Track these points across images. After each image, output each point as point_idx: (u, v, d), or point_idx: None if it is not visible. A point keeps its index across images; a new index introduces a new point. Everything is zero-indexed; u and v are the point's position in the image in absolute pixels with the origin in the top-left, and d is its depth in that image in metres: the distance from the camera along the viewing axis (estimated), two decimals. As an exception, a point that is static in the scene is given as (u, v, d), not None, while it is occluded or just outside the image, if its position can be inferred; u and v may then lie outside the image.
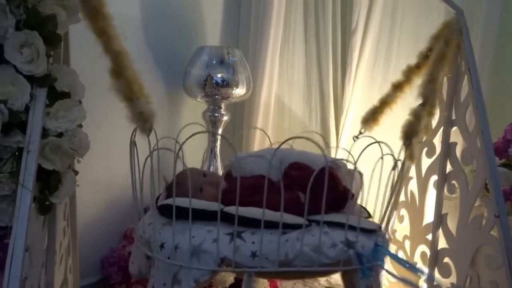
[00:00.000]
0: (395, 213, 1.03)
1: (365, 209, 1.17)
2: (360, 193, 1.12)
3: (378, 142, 0.97)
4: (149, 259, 0.99)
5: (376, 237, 0.98)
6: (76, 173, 1.00)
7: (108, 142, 1.46)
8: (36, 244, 0.88)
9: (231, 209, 0.91)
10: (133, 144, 0.93)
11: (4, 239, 0.81)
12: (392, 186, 0.97)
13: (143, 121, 0.83)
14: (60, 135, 0.89)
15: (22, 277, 0.76)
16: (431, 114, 1.07)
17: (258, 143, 1.81)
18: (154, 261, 0.94)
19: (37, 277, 0.91)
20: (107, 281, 1.49)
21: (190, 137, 0.90)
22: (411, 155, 0.97)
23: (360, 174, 1.13)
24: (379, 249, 0.95)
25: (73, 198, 1.25)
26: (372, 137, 1.01)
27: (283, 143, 0.87)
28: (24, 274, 0.82)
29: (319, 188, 0.87)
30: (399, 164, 0.95)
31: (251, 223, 0.91)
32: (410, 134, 0.96)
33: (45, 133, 0.86)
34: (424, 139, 1.30)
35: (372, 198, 1.07)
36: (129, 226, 1.54)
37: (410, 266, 0.99)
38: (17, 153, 0.83)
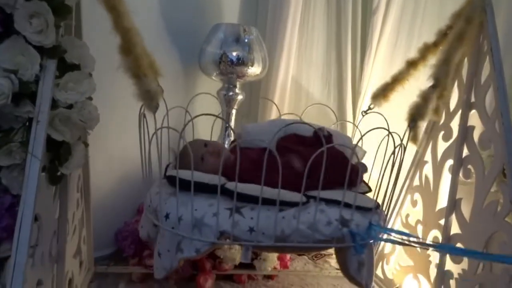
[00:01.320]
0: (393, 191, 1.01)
1: (365, 183, 1.16)
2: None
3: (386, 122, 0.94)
4: (156, 226, 1.04)
5: (371, 215, 0.98)
6: (87, 145, 1.02)
7: (122, 116, 1.47)
8: (47, 213, 0.91)
9: (231, 185, 0.94)
10: (142, 116, 0.94)
11: (15, 207, 0.84)
12: (392, 167, 0.95)
13: (149, 99, 0.85)
14: (70, 107, 0.90)
15: (30, 243, 0.79)
16: (442, 97, 1.03)
17: (273, 117, 1.79)
18: (160, 229, 1.00)
19: (47, 245, 0.94)
20: (121, 254, 1.52)
21: (198, 116, 0.91)
22: (415, 137, 0.94)
23: (363, 152, 1.13)
24: (373, 228, 0.96)
25: (87, 171, 1.28)
26: (379, 113, 0.99)
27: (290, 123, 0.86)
28: (34, 241, 0.85)
29: (328, 162, 0.87)
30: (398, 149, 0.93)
31: (250, 199, 0.94)
32: (416, 116, 0.94)
33: (54, 104, 0.87)
34: (440, 122, 1.26)
35: (374, 175, 1.06)
36: (142, 201, 1.57)
37: (407, 234, 0.98)
38: (27, 123, 0.85)
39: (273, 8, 1.81)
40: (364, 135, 0.96)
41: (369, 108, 1.28)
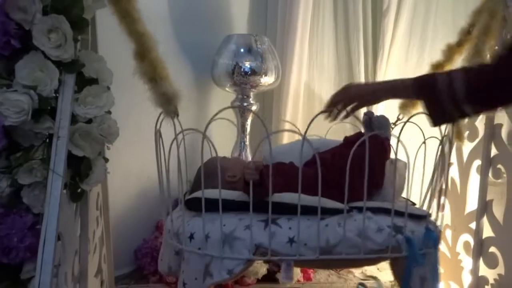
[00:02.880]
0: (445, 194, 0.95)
1: (409, 200, 1.10)
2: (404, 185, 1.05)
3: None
4: (179, 255, 0.93)
5: (425, 223, 0.90)
6: (107, 160, 1.00)
7: (138, 132, 1.46)
8: (69, 231, 0.89)
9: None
10: (158, 133, 0.89)
11: (37, 226, 0.82)
12: (435, 168, 0.90)
13: (167, 102, 0.82)
14: (89, 121, 0.89)
15: (54, 263, 0.76)
16: None
17: (288, 134, 1.76)
18: (184, 255, 0.89)
19: (70, 264, 0.92)
20: (141, 272, 1.50)
21: (217, 113, 0.87)
22: (459, 133, 0.89)
23: (404, 164, 1.06)
24: (431, 234, 0.86)
25: (105, 188, 1.26)
26: (413, 122, 0.92)
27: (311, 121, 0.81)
28: (57, 261, 0.82)
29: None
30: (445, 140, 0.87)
31: (287, 209, 0.84)
32: None
33: (74, 119, 0.86)
34: (463, 122, 1.22)
35: (415, 188, 0.99)
36: (160, 218, 1.54)
37: None
38: (47, 140, 0.84)
39: (282, 16, 1.80)
40: (397, 148, 0.85)
41: (398, 119, 1.18)
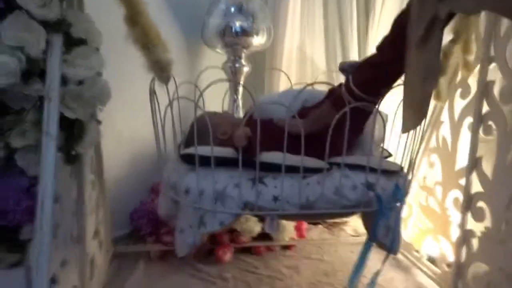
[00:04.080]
0: (417, 152, 0.98)
1: (386, 150, 1.13)
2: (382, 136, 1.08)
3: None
4: (176, 203, 1.01)
5: (397, 178, 0.96)
6: (99, 122, 0.99)
7: (130, 95, 1.44)
8: (65, 193, 0.89)
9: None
10: (153, 93, 0.91)
11: (32, 189, 0.82)
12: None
13: (160, 70, 0.82)
14: (80, 83, 0.87)
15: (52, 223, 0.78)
16: (467, 50, 0.99)
17: (282, 87, 1.75)
18: (181, 205, 0.97)
19: (69, 226, 0.93)
20: (138, 233, 1.52)
21: (209, 85, 0.87)
22: (438, 94, 0.90)
23: (384, 117, 1.08)
24: (399, 192, 0.94)
25: (99, 151, 1.26)
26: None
27: (302, 89, 0.83)
28: (56, 221, 0.84)
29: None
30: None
31: (272, 168, 0.90)
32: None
33: (64, 81, 0.84)
34: (456, 80, 1.23)
35: (394, 138, 1.03)
36: (155, 181, 1.56)
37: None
38: (38, 103, 0.82)
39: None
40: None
41: None
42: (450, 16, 0.76)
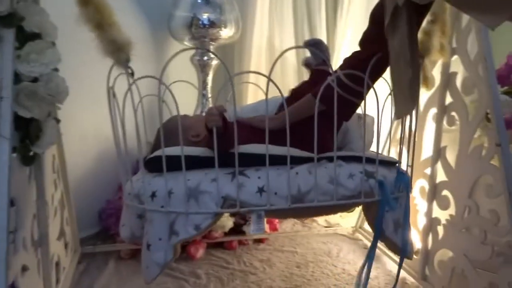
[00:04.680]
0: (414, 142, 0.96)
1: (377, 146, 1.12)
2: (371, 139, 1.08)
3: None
4: (141, 218, 0.86)
5: (396, 169, 0.90)
6: (58, 121, 0.95)
7: (93, 91, 1.39)
8: (23, 195, 0.85)
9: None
10: (111, 91, 0.83)
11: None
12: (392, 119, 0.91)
13: (117, 50, 0.76)
14: (35, 80, 0.83)
15: (9, 229, 0.74)
16: (444, 33, 0.99)
17: (252, 93, 1.72)
18: (146, 216, 0.84)
19: (28, 229, 0.90)
20: (107, 232, 1.49)
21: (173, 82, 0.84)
22: (426, 78, 0.89)
23: (372, 119, 1.06)
24: (403, 177, 0.84)
25: (61, 150, 1.21)
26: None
27: (276, 61, 0.77)
28: (13, 226, 0.80)
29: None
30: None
31: (254, 161, 0.79)
32: (422, 52, 0.87)
33: (18, 78, 0.80)
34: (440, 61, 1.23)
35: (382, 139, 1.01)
36: (123, 178, 1.52)
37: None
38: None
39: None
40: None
41: None
42: (424, 10, 0.77)
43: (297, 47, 1.79)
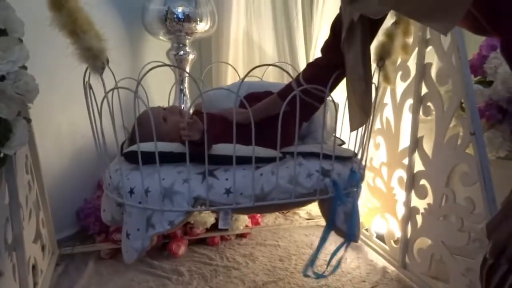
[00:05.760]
0: (369, 138, 1.00)
1: (338, 138, 1.15)
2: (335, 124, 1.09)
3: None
4: (121, 206, 0.94)
5: (351, 164, 0.96)
6: (29, 120, 0.92)
7: (67, 89, 1.36)
8: (-6, 199, 0.82)
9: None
10: (88, 86, 0.84)
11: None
12: None
13: (93, 57, 0.75)
14: (2, 78, 0.80)
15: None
16: (407, 33, 1.01)
17: (230, 79, 1.73)
18: (125, 208, 0.90)
19: (1, 233, 0.87)
20: (85, 232, 1.46)
21: (148, 71, 0.82)
22: (386, 77, 0.92)
23: (335, 104, 1.09)
24: (355, 176, 0.93)
25: (34, 150, 1.18)
26: None
27: (248, 73, 0.80)
28: (-16, 231, 0.77)
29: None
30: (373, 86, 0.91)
31: (223, 160, 0.87)
32: (383, 54, 0.91)
33: (-17, 77, 0.76)
34: (397, 63, 1.26)
35: (346, 125, 1.03)
36: (101, 176, 1.49)
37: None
38: (-46, 102, 0.75)
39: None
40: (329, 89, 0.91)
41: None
42: (379, 23, 0.82)
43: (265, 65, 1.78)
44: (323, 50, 0.98)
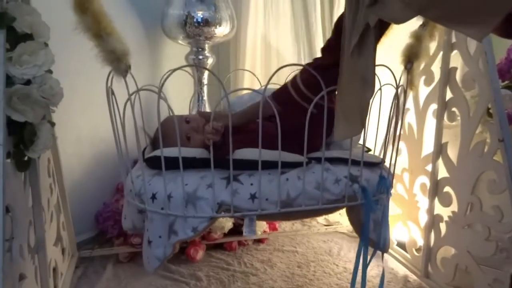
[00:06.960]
0: (398, 146, 0.98)
1: (363, 145, 1.12)
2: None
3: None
4: (142, 213, 0.93)
5: (380, 170, 0.93)
6: (53, 124, 0.92)
7: (88, 94, 1.37)
8: (19, 202, 0.83)
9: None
10: (110, 91, 0.83)
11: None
12: (390, 115, 0.91)
13: (117, 60, 0.75)
14: (28, 83, 0.80)
15: (5, 237, 0.71)
16: (432, 36, 0.99)
17: (248, 85, 1.72)
18: (147, 214, 0.88)
19: (25, 236, 0.87)
20: (104, 236, 1.46)
21: (169, 75, 0.82)
22: (412, 81, 0.90)
23: None
24: (385, 181, 0.90)
25: (56, 154, 1.19)
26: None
27: (274, 73, 0.79)
28: (9, 234, 0.77)
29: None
30: (400, 90, 0.89)
31: (247, 165, 0.84)
32: (411, 57, 0.88)
33: (10, 81, 0.77)
34: (420, 68, 1.23)
35: (370, 132, 1.01)
36: (120, 180, 1.49)
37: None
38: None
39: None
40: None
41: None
42: (385, 27, 0.78)
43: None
44: (323, 49, 0.93)
